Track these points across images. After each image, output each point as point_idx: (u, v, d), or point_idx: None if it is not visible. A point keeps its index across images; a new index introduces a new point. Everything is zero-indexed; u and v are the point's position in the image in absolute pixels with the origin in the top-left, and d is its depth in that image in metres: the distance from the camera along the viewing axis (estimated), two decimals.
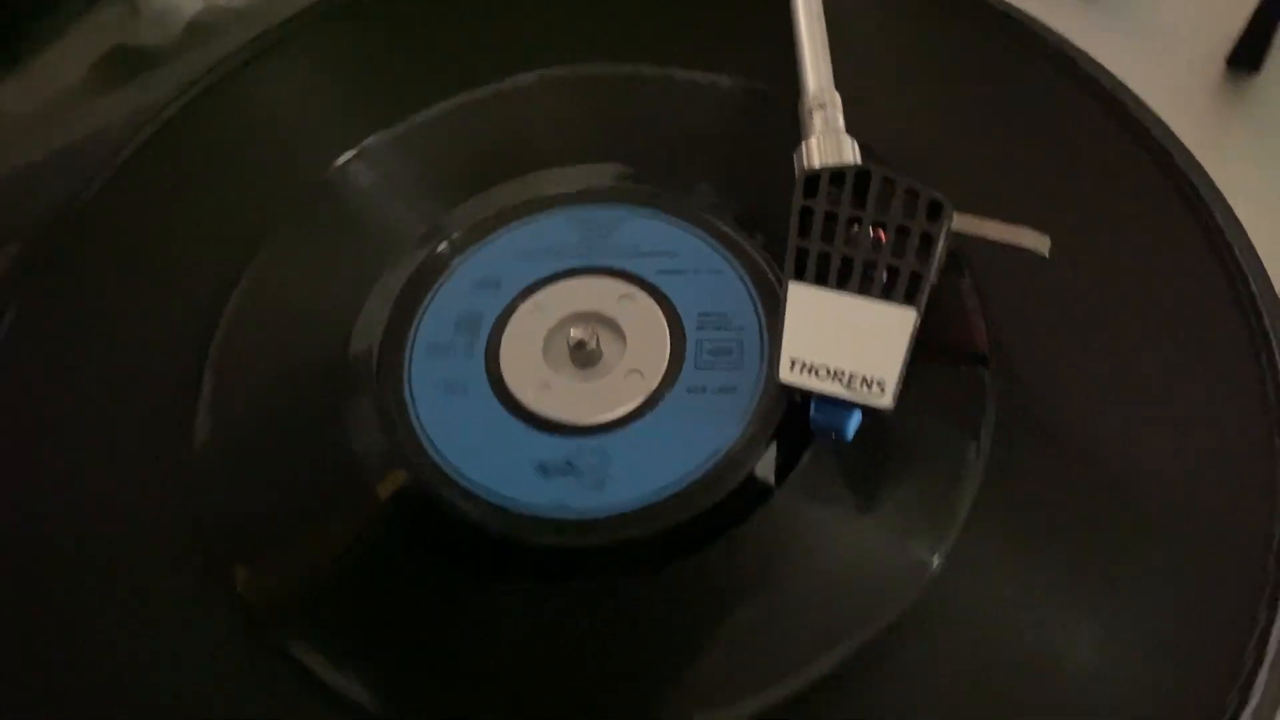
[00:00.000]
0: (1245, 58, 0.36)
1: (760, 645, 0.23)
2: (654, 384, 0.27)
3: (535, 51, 0.34)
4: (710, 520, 0.25)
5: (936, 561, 0.24)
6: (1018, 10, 0.33)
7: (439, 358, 0.28)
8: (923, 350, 0.25)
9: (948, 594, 0.24)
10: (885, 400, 0.23)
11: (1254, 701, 0.22)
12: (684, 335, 0.27)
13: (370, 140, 0.33)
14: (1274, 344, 0.26)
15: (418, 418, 0.27)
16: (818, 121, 0.28)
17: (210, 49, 0.62)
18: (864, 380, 0.24)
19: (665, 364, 0.27)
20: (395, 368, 0.28)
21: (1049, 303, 0.27)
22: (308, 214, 0.31)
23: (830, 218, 0.26)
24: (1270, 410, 0.25)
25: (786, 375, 0.24)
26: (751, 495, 0.25)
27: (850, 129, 0.29)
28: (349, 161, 0.32)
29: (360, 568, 0.26)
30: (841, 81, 0.30)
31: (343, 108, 0.34)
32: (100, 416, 0.28)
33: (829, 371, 0.24)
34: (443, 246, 0.29)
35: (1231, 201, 0.29)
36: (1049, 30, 0.32)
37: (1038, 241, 0.25)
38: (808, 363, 0.24)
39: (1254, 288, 0.27)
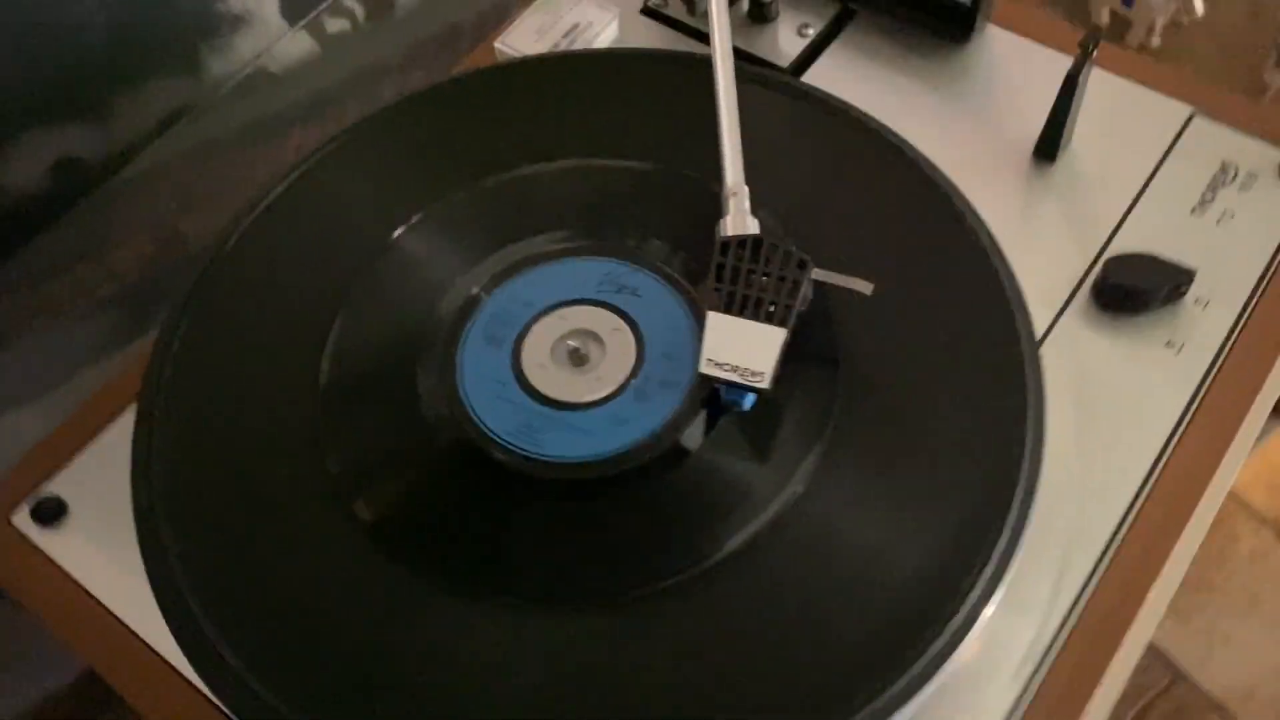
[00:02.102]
0: (1045, 151, 0.51)
1: (686, 536, 0.38)
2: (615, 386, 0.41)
3: (542, 147, 0.48)
4: (653, 465, 0.39)
5: (800, 487, 0.39)
6: (868, 116, 0.47)
7: (484, 347, 0.42)
8: (795, 352, 0.39)
9: (810, 504, 0.39)
10: (764, 384, 0.38)
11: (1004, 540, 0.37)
12: (644, 358, 0.42)
13: (425, 211, 0.47)
14: (1022, 332, 0.41)
15: (466, 392, 0.41)
16: (732, 205, 0.43)
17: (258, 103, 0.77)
18: (751, 372, 0.38)
19: (627, 375, 0.41)
20: (451, 361, 0.42)
21: (880, 325, 0.42)
22: (388, 261, 0.46)
23: (735, 269, 0.40)
24: (1017, 381, 0.40)
25: (705, 368, 0.38)
26: (676, 455, 0.40)
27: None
28: (412, 226, 0.47)
29: (427, 490, 0.41)
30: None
31: (397, 190, 0.48)
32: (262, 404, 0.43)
33: (731, 367, 0.38)
34: (497, 273, 0.44)
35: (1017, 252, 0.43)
36: (891, 133, 0.47)
37: (865, 286, 0.40)
38: (718, 361, 0.38)
39: (1005, 288, 0.42)
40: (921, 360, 0.41)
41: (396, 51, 0.88)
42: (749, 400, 0.39)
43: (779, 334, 0.39)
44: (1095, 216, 0.49)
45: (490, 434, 0.40)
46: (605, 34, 0.56)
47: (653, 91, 0.50)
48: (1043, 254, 0.48)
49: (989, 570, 0.37)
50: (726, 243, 0.41)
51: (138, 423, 0.42)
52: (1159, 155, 0.51)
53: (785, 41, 0.56)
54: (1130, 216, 0.49)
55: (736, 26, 0.56)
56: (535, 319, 0.43)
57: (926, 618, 0.36)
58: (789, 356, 0.39)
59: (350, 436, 0.42)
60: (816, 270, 0.40)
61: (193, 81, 0.72)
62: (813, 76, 0.55)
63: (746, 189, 0.44)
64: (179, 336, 0.45)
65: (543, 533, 0.39)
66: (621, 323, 0.43)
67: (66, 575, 0.44)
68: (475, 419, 0.40)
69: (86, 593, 0.43)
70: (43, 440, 0.47)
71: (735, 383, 0.38)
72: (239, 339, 0.45)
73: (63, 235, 0.66)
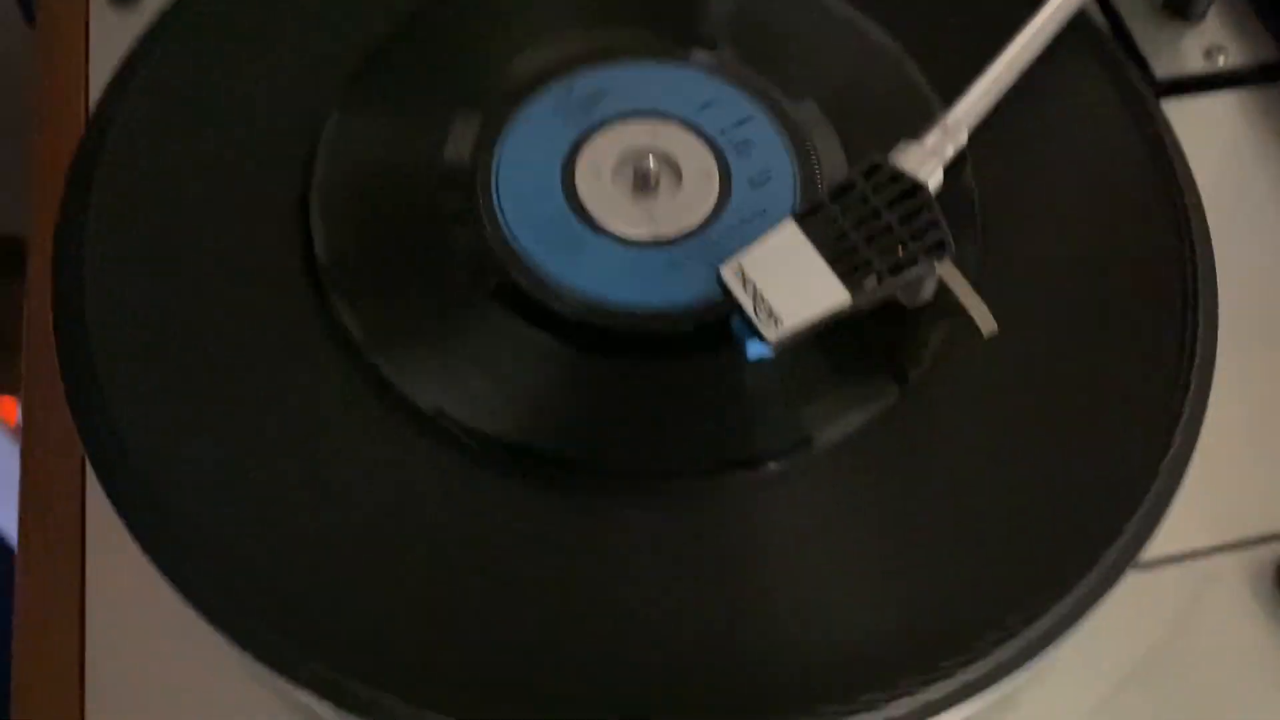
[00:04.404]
0: None
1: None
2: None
3: None
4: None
5: None
6: None
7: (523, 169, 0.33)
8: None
9: None
10: (770, 335, 0.28)
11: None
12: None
13: None
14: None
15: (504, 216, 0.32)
16: (931, 139, 0.32)
17: None
18: (770, 311, 0.28)
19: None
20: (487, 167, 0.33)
21: None
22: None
23: (863, 199, 0.29)
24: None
25: (726, 271, 0.28)
26: None
27: None
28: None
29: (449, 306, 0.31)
30: None
31: None
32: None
33: (755, 290, 0.28)
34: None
35: None
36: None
37: (988, 322, 0.28)
38: (749, 274, 0.28)
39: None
40: None
41: None
42: (753, 350, 0.29)
43: (840, 298, 0.28)
44: None
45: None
46: None
47: None
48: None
49: None
50: (879, 165, 0.30)
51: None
52: None
53: (1183, 51, 0.42)
54: None
55: (1147, 5, 0.43)
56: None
57: None
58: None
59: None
60: (947, 266, 0.29)
61: None
62: (1181, 107, 0.41)
63: (965, 139, 0.32)
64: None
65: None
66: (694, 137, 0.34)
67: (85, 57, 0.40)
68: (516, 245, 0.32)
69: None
70: None
71: (744, 311, 0.28)
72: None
73: None
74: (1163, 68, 0.42)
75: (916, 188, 0.30)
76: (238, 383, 0.30)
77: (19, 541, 0.33)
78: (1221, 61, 0.42)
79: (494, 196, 0.32)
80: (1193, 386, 0.31)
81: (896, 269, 0.28)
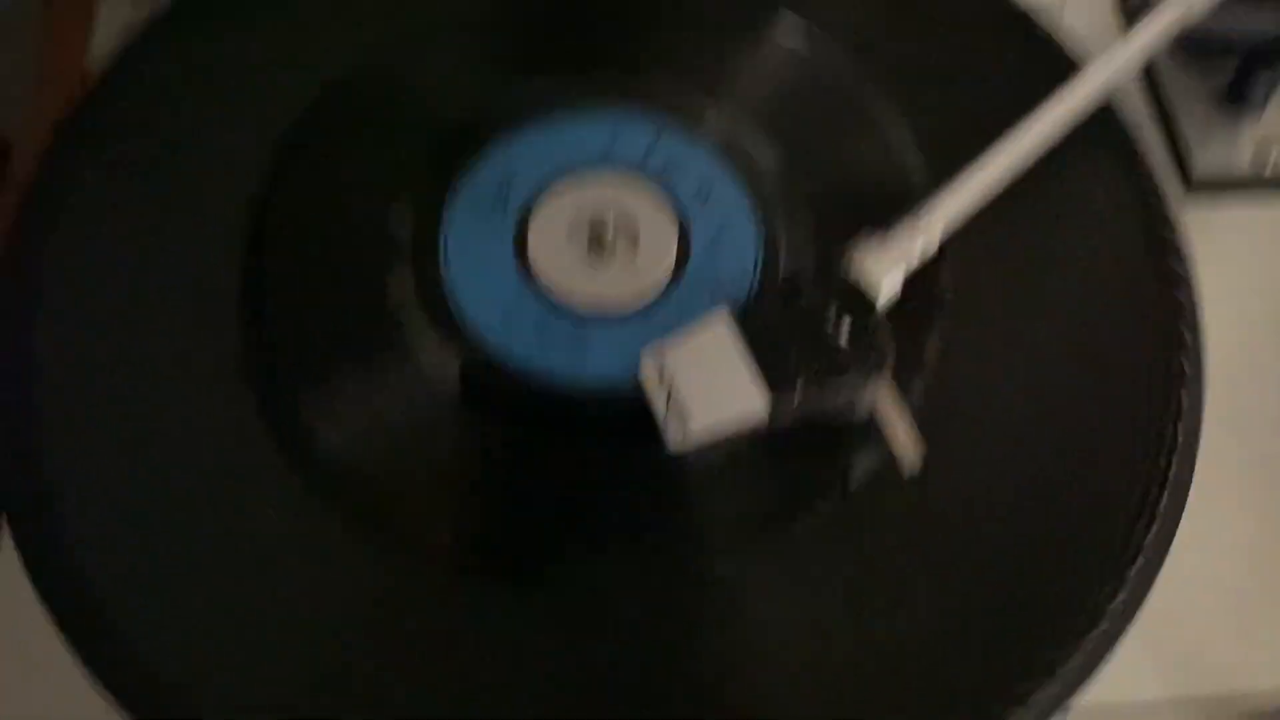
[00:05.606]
0: None
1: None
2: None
3: None
4: None
5: None
6: None
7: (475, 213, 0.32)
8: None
9: None
10: (677, 435, 0.26)
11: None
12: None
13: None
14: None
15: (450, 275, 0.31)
16: (898, 239, 0.30)
17: None
18: (681, 410, 0.27)
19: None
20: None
21: None
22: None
23: (809, 308, 0.28)
24: None
25: (645, 363, 0.27)
26: None
27: None
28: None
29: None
30: None
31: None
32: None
33: (670, 386, 0.27)
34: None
35: None
36: None
37: (910, 462, 0.27)
38: (669, 367, 0.27)
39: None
40: None
41: None
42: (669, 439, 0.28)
43: (756, 405, 0.27)
44: None
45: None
46: None
47: None
48: None
49: None
50: (831, 266, 0.28)
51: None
52: None
53: (1236, 147, 0.39)
54: None
55: (1204, 92, 0.40)
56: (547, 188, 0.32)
57: None
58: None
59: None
60: (881, 388, 0.27)
61: None
62: (1222, 212, 0.38)
63: (938, 243, 0.30)
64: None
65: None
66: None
67: None
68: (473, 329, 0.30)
69: None
70: None
71: (655, 405, 0.27)
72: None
73: None
74: (1203, 166, 0.39)
75: (864, 297, 0.28)
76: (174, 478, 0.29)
77: None
78: (1272, 160, 0.39)
79: (444, 273, 0.31)
80: (1151, 534, 0.29)
81: (822, 384, 0.27)
